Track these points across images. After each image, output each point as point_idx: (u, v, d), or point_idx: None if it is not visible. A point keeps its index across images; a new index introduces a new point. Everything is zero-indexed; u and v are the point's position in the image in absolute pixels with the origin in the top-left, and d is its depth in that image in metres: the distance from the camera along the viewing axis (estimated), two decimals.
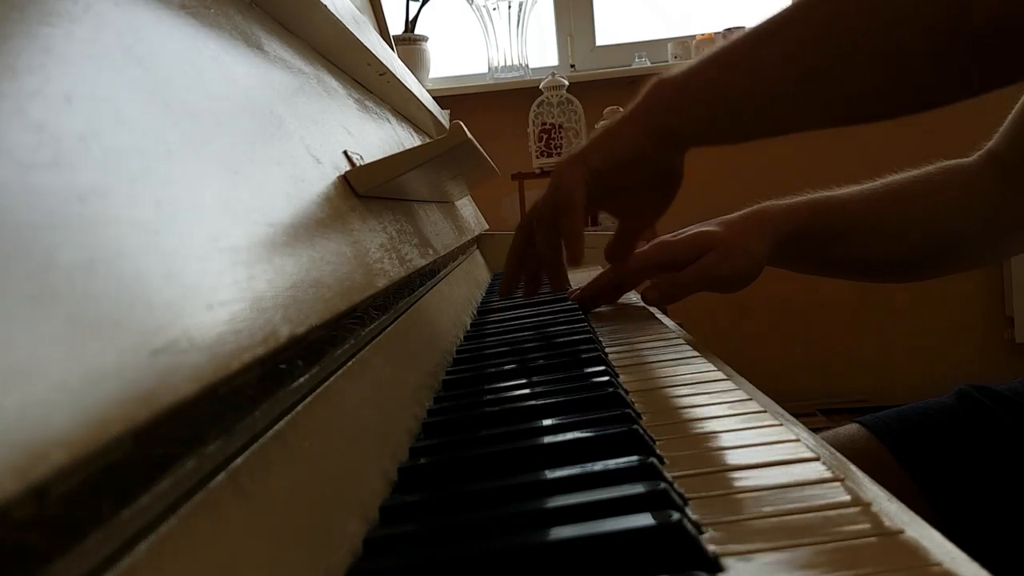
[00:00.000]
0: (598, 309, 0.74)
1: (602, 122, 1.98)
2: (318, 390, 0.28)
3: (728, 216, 0.74)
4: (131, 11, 0.27)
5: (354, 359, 0.34)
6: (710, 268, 0.67)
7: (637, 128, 0.60)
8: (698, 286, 0.68)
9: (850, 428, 0.66)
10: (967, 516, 0.57)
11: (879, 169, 0.77)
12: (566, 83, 1.99)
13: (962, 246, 0.76)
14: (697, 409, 0.39)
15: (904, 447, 0.61)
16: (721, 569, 0.22)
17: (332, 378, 0.30)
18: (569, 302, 0.73)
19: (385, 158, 0.47)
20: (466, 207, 1.04)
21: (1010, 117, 0.74)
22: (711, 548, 0.23)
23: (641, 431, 0.33)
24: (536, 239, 0.62)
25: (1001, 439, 0.60)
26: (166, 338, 0.18)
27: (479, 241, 1.13)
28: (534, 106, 1.98)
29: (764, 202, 0.75)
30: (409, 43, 2.27)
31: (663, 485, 0.26)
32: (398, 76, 0.73)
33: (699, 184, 2.46)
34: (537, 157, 1.98)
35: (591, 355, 0.48)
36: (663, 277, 0.69)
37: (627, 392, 0.41)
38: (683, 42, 2.41)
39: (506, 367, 0.49)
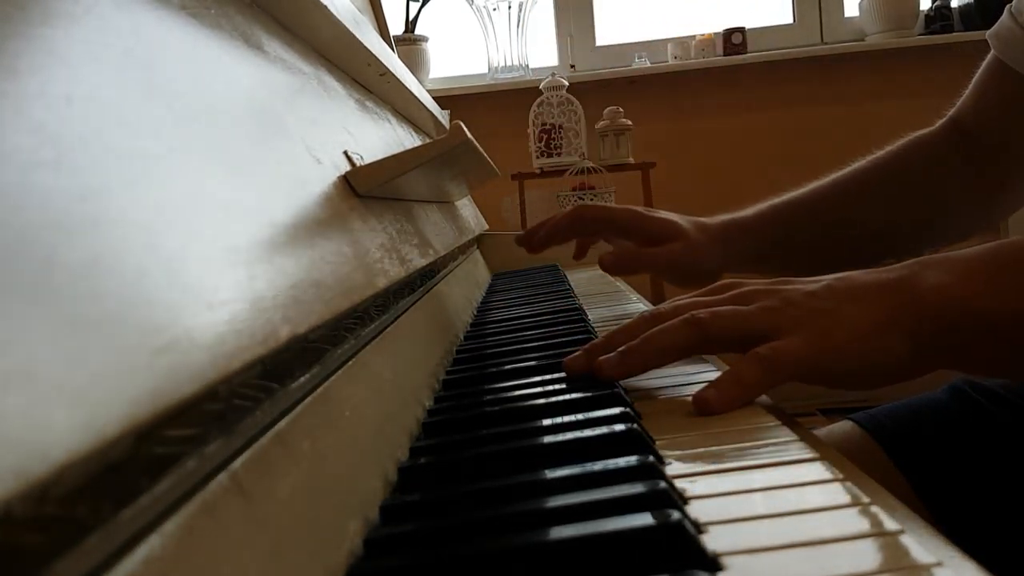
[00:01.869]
0: (595, 310, 0.74)
1: (602, 122, 1.98)
2: (318, 390, 0.28)
3: (701, 219, 0.75)
4: (132, 12, 0.27)
5: (354, 359, 0.34)
6: (675, 254, 0.68)
7: (905, 340, 0.41)
8: (656, 267, 0.69)
9: (843, 425, 0.66)
10: (960, 513, 0.57)
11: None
12: (566, 83, 1.99)
13: (941, 220, 0.76)
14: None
15: (898, 445, 0.62)
16: (721, 568, 0.22)
17: (332, 378, 0.30)
18: (569, 301, 0.73)
19: (385, 158, 0.47)
20: (466, 207, 1.04)
21: (972, 83, 0.75)
22: (711, 548, 0.23)
23: (641, 431, 0.33)
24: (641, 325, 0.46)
25: (993, 435, 0.60)
26: (167, 338, 0.18)
27: (479, 241, 1.13)
28: (534, 106, 1.98)
29: (733, 213, 0.76)
30: (409, 43, 2.27)
31: (663, 485, 0.26)
32: (398, 76, 0.73)
33: (702, 182, 2.45)
34: (537, 157, 1.98)
35: None
36: (628, 248, 0.69)
37: (627, 392, 0.41)
38: (683, 42, 2.42)
39: (506, 367, 0.49)
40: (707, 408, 0.39)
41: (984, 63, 0.74)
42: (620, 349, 0.43)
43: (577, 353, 0.45)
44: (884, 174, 0.75)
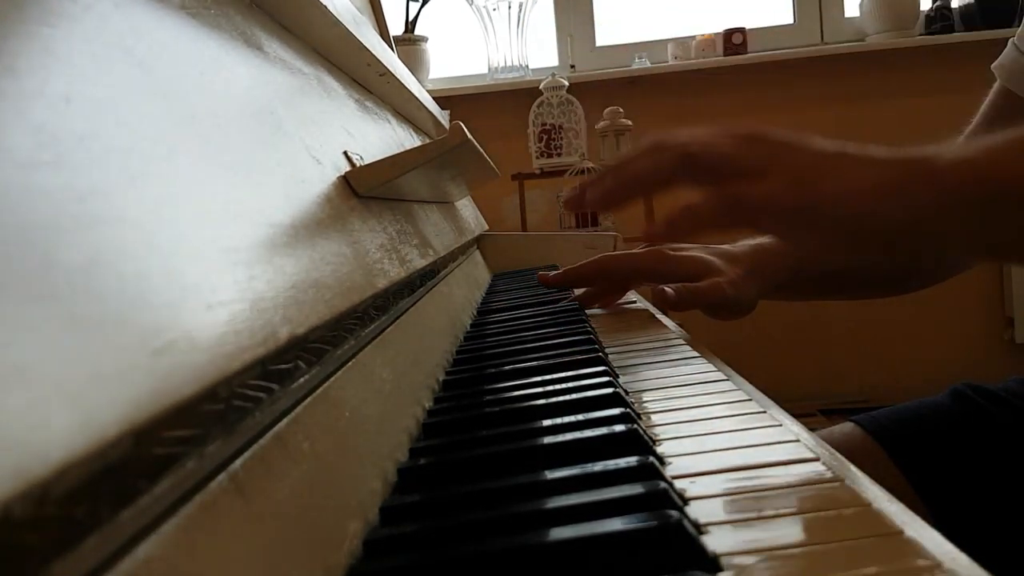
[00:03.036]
0: (594, 311, 0.74)
1: (602, 122, 1.99)
2: (318, 390, 0.28)
3: (727, 248, 0.74)
4: (131, 12, 0.27)
5: (354, 359, 0.34)
6: (720, 291, 0.66)
7: (902, 197, 0.39)
8: (703, 305, 0.67)
9: (845, 427, 0.66)
10: (962, 514, 0.57)
11: None
12: (566, 83, 1.99)
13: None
14: (697, 410, 0.39)
15: (899, 446, 0.62)
16: (721, 569, 0.22)
17: (332, 378, 0.30)
18: (568, 302, 0.73)
19: (385, 158, 0.47)
20: (466, 207, 1.04)
21: (981, 109, 0.75)
22: (711, 548, 0.23)
23: (641, 431, 0.33)
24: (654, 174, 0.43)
25: (995, 438, 0.60)
26: (166, 338, 0.18)
27: (479, 241, 1.13)
28: (534, 106, 1.98)
29: (758, 239, 0.75)
30: (409, 43, 2.27)
31: (663, 485, 0.26)
32: (398, 76, 0.73)
33: None
34: (537, 157, 1.98)
35: (591, 355, 0.48)
36: (681, 288, 0.67)
37: (627, 392, 0.41)
38: (683, 42, 2.42)
39: (506, 367, 0.49)
40: (650, 236, 0.40)
41: (992, 91, 0.74)
42: (608, 175, 0.42)
43: (575, 189, 0.44)
44: None
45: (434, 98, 1.06)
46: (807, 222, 0.38)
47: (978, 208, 0.38)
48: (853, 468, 0.28)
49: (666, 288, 0.63)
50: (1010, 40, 0.71)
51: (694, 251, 0.72)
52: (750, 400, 0.39)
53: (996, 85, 0.73)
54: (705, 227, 0.38)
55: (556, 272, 0.75)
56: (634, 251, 0.72)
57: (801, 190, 0.38)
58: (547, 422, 0.36)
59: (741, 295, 0.67)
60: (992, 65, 0.73)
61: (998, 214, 0.39)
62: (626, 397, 0.39)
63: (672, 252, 0.70)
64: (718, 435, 0.34)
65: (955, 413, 0.63)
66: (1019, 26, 0.70)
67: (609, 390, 0.39)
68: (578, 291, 0.74)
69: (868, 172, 0.39)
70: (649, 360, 0.52)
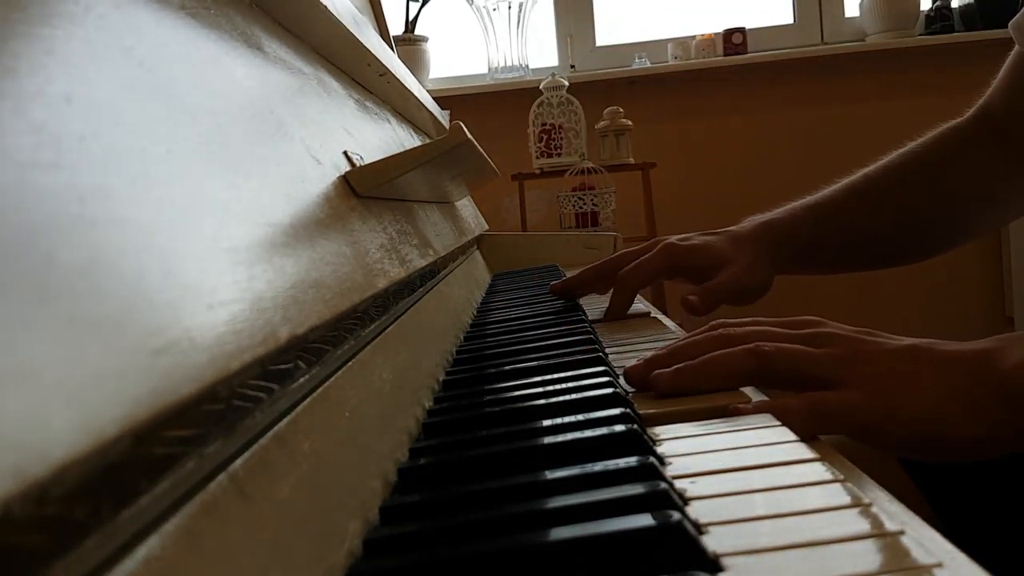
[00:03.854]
0: (596, 313, 0.74)
1: (602, 122, 1.98)
2: (318, 390, 0.28)
3: (731, 230, 0.74)
4: (131, 12, 0.27)
5: (354, 359, 0.34)
6: (740, 279, 0.66)
7: (984, 420, 0.39)
8: (727, 298, 0.67)
9: None
10: (966, 514, 0.57)
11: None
12: (566, 83, 1.99)
13: (966, 212, 0.75)
14: (697, 410, 0.39)
15: None
16: (721, 569, 0.22)
17: (332, 378, 0.30)
18: (569, 303, 0.73)
19: (385, 158, 0.47)
20: (466, 207, 1.04)
21: (1001, 73, 0.75)
22: (711, 548, 0.23)
23: (641, 431, 0.33)
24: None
25: None
26: (166, 338, 0.18)
27: (479, 241, 1.13)
28: (534, 106, 1.98)
29: (765, 215, 0.75)
30: (409, 43, 2.27)
31: (663, 485, 0.26)
32: (398, 77, 0.73)
33: (705, 180, 2.45)
34: (537, 157, 1.98)
35: (591, 355, 0.48)
36: (702, 287, 0.67)
37: (627, 393, 0.41)
38: (683, 42, 2.42)
39: (506, 367, 0.49)
40: (658, 386, 0.40)
41: (1011, 55, 0.73)
42: (677, 367, 0.42)
43: (638, 363, 0.44)
44: (915, 162, 0.74)
45: (434, 98, 1.06)
46: (887, 431, 0.39)
47: None
48: (854, 467, 0.28)
49: (690, 297, 0.64)
50: None
51: (696, 238, 0.72)
52: (750, 399, 0.39)
53: (1015, 49, 0.72)
54: (790, 428, 0.37)
55: (565, 280, 0.74)
56: (641, 248, 0.72)
57: (880, 402, 0.39)
58: (547, 422, 0.36)
59: (757, 279, 0.67)
60: (1010, 23, 0.71)
61: None
62: (626, 397, 0.39)
63: (681, 244, 0.70)
64: (718, 435, 0.34)
65: None
66: None
67: (609, 390, 0.39)
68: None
69: (943, 384, 0.39)
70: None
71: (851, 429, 0.38)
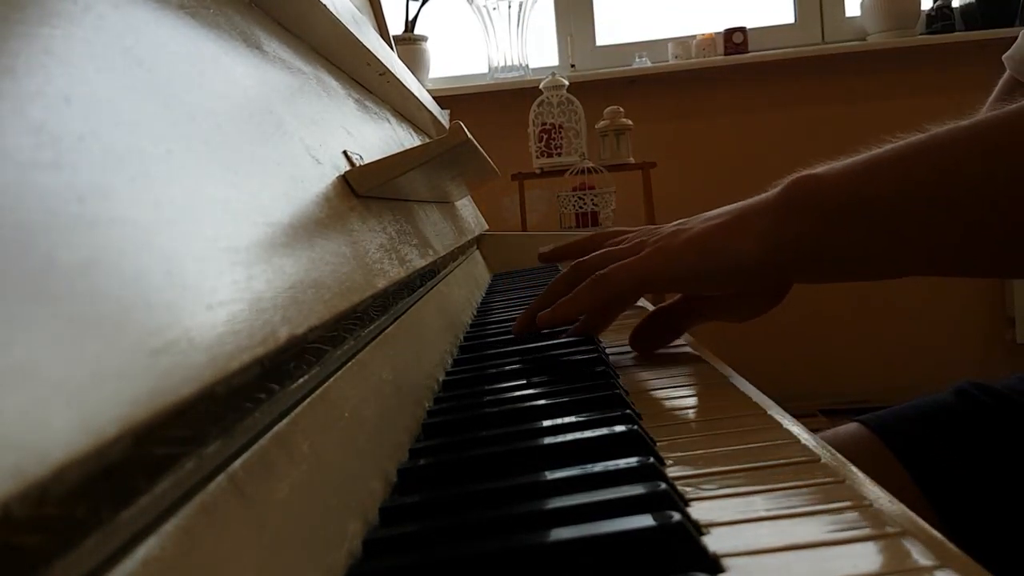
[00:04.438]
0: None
1: (602, 122, 1.98)
2: (318, 391, 0.28)
3: (712, 213, 0.74)
4: (131, 12, 0.27)
5: (354, 360, 0.34)
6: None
7: (754, 237, 0.43)
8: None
9: (850, 427, 0.66)
10: (967, 515, 0.57)
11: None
12: (566, 83, 1.99)
13: None
14: (697, 410, 0.39)
15: (905, 446, 0.61)
16: (722, 570, 0.22)
17: (332, 379, 0.30)
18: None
19: (385, 158, 0.47)
20: (466, 207, 1.04)
21: (993, 95, 0.76)
22: (712, 548, 0.23)
23: (641, 432, 0.33)
24: (567, 289, 0.52)
25: (1000, 437, 0.60)
26: (165, 338, 0.18)
27: (479, 241, 1.13)
28: (534, 106, 1.98)
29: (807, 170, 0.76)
30: (409, 43, 2.27)
31: (663, 486, 0.26)
32: (398, 76, 0.73)
33: (704, 175, 2.46)
34: (537, 157, 1.98)
35: (591, 356, 0.48)
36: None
37: (627, 393, 0.41)
38: (683, 42, 2.42)
39: (506, 367, 0.49)
40: (541, 323, 0.50)
41: (1001, 80, 0.74)
42: (552, 308, 0.51)
43: (519, 317, 0.55)
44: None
45: (434, 98, 1.06)
46: (669, 276, 0.46)
47: (817, 222, 0.42)
48: (854, 469, 0.28)
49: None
50: (1022, 31, 0.71)
51: (671, 225, 0.72)
52: (751, 400, 0.39)
53: (1004, 75, 0.73)
54: (587, 306, 0.48)
55: (552, 248, 0.76)
56: (625, 236, 0.72)
57: (656, 253, 0.46)
58: (547, 422, 0.36)
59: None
60: (1003, 56, 0.73)
61: (903, 226, 0.40)
62: (626, 397, 0.39)
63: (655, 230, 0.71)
64: (718, 435, 0.34)
65: (960, 413, 0.63)
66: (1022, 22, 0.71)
67: (609, 390, 0.39)
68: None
69: (722, 219, 0.45)
70: (650, 360, 0.52)
71: (637, 285, 0.47)
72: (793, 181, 0.43)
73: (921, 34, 2.36)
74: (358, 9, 0.63)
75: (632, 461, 0.28)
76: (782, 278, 0.45)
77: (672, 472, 0.29)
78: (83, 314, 0.15)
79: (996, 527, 0.56)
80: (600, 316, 0.53)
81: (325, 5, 0.49)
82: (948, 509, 0.57)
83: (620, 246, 0.53)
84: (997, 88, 0.75)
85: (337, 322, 0.31)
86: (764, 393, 0.40)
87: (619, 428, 0.32)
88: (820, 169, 0.43)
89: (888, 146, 0.43)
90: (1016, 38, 0.72)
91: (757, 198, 0.46)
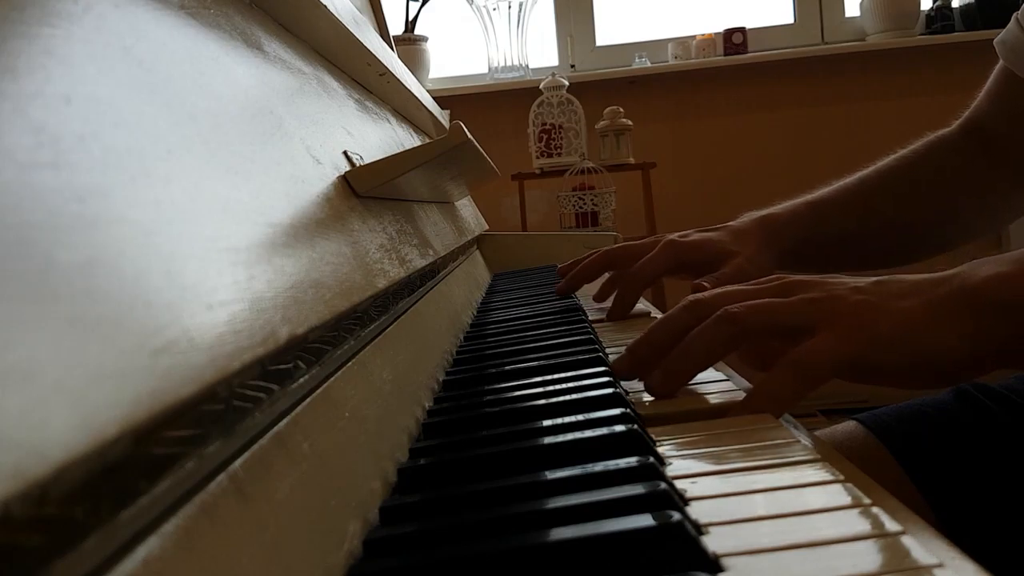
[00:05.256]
0: (596, 314, 0.74)
1: (602, 122, 1.98)
2: (318, 391, 0.28)
3: (730, 225, 0.75)
4: (131, 12, 0.27)
5: (354, 360, 0.34)
6: (745, 270, 0.67)
7: (961, 333, 0.39)
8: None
9: (847, 426, 0.66)
10: (965, 514, 0.57)
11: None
12: (566, 83, 1.99)
13: (955, 221, 0.77)
14: (697, 410, 0.39)
15: (902, 445, 0.61)
16: (722, 570, 0.22)
17: (332, 379, 0.30)
18: (569, 301, 0.73)
19: (385, 158, 0.47)
20: (466, 207, 1.04)
21: (987, 85, 0.76)
22: (712, 548, 0.23)
23: (641, 432, 0.33)
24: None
25: (998, 437, 0.60)
26: (166, 338, 0.18)
27: (479, 241, 1.13)
28: (534, 106, 1.98)
29: (763, 210, 0.76)
30: (409, 43, 2.27)
31: (663, 486, 0.26)
32: (398, 76, 0.73)
33: (702, 174, 2.45)
34: (537, 157, 1.98)
35: (591, 356, 0.48)
36: (710, 276, 0.68)
37: (627, 393, 0.41)
38: (683, 42, 2.42)
39: (506, 367, 0.49)
40: (657, 391, 0.41)
41: (996, 68, 0.74)
42: (664, 369, 0.42)
43: (622, 356, 0.45)
44: (903, 173, 0.76)
45: (434, 98, 1.06)
46: (871, 362, 0.39)
47: (1021, 323, 0.38)
48: (854, 468, 0.28)
49: (702, 282, 0.65)
50: (1014, 15, 0.71)
51: (695, 234, 0.73)
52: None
53: (998, 65, 0.74)
54: (793, 404, 0.38)
55: (567, 279, 0.76)
56: (642, 246, 0.72)
57: (858, 335, 0.39)
58: (547, 422, 0.36)
59: (762, 270, 0.68)
60: (995, 40, 0.73)
61: None
62: (626, 397, 0.39)
63: (682, 240, 0.71)
64: (718, 435, 0.34)
65: (958, 412, 0.63)
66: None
67: (609, 390, 0.39)
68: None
69: (914, 303, 0.40)
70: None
71: (838, 371, 0.38)
72: (985, 280, 0.39)
73: (920, 34, 2.36)
74: (358, 9, 0.63)
75: (632, 461, 0.28)
76: (977, 374, 0.41)
77: (672, 472, 0.29)
78: (83, 314, 0.15)
79: (993, 526, 0.56)
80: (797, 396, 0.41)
81: (325, 5, 0.49)
82: (945, 508, 0.57)
83: (766, 286, 0.44)
84: (991, 80, 0.75)
85: (337, 322, 0.31)
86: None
87: (619, 428, 0.32)
88: (1007, 268, 0.40)
89: None
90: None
91: (932, 283, 0.41)
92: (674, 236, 0.73)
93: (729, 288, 0.45)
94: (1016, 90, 0.72)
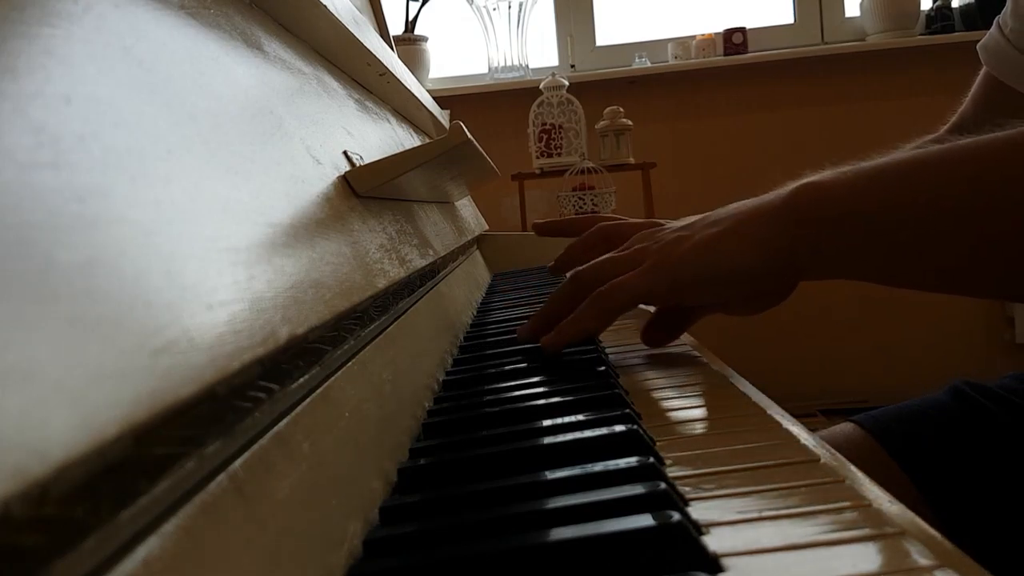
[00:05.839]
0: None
1: (602, 122, 1.98)
2: (318, 390, 0.28)
3: (714, 213, 0.75)
4: (131, 12, 0.27)
5: (354, 360, 0.34)
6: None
7: (753, 244, 0.43)
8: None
9: (845, 427, 0.66)
10: (963, 513, 0.57)
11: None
12: (566, 83, 1.99)
13: None
14: (697, 410, 0.39)
15: (899, 445, 0.61)
16: (722, 569, 0.22)
17: (332, 378, 0.30)
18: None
19: (385, 158, 0.47)
20: (466, 207, 1.04)
21: (972, 90, 0.76)
22: (712, 548, 0.23)
23: (641, 432, 0.33)
24: (568, 304, 0.51)
25: (995, 436, 0.60)
26: (166, 338, 0.18)
27: (479, 241, 1.13)
28: (534, 106, 1.98)
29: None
30: (409, 43, 2.27)
31: (663, 486, 0.26)
32: (398, 76, 0.73)
33: (702, 175, 2.46)
34: (537, 157, 1.98)
35: (591, 355, 0.48)
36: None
37: (627, 393, 0.41)
38: (683, 42, 2.42)
39: (506, 367, 0.49)
40: (547, 348, 0.48)
41: (980, 73, 0.74)
42: (550, 341, 0.49)
43: (525, 325, 0.53)
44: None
45: (434, 98, 1.06)
46: (671, 286, 0.45)
47: (824, 234, 0.42)
48: (853, 468, 0.28)
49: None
50: (995, 20, 0.71)
51: (683, 220, 0.73)
52: (750, 400, 0.39)
53: (982, 71, 0.74)
54: (593, 327, 0.47)
55: (547, 221, 0.78)
56: (633, 220, 0.72)
57: (662, 265, 0.44)
58: (547, 422, 0.36)
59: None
60: (977, 45, 0.73)
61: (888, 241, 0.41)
62: (626, 397, 0.39)
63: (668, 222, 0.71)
64: (718, 435, 0.34)
65: (955, 412, 0.63)
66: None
67: (609, 390, 0.39)
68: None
69: (724, 226, 0.44)
70: (650, 360, 0.52)
71: (638, 299, 0.45)
72: (797, 188, 0.43)
73: (920, 35, 2.36)
74: (358, 9, 0.63)
75: (632, 461, 0.28)
76: (783, 282, 0.45)
77: (672, 472, 0.29)
78: (83, 314, 0.15)
79: (992, 526, 0.56)
80: (600, 326, 0.52)
81: (325, 6, 0.49)
82: (944, 508, 0.57)
83: (620, 252, 0.51)
84: (975, 84, 0.75)
85: (337, 322, 0.31)
86: (764, 393, 0.40)
87: (619, 428, 0.32)
88: (825, 176, 0.43)
89: (895, 156, 0.43)
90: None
91: (760, 200, 0.45)
92: (663, 221, 0.73)
93: (606, 259, 0.51)
94: (999, 95, 0.72)
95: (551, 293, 0.53)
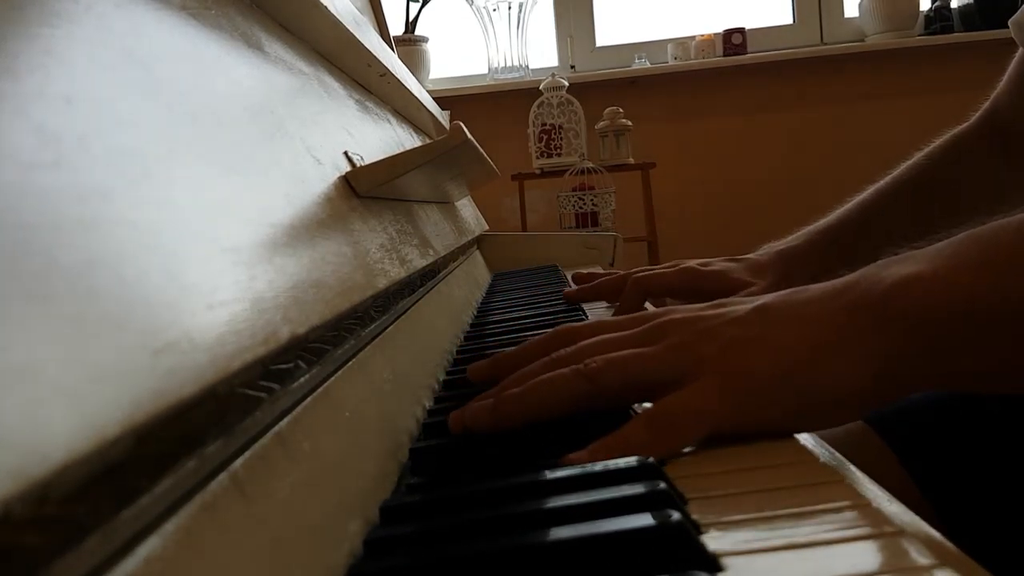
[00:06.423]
0: (593, 310, 0.74)
1: (602, 122, 1.98)
2: (318, 390, 0.28)
3: (750, 257, 0.75)
4: (132, 12, 0.27)
5: (354, 359, 0.34)
6: None
7: (862, 360, 0.32)
8: None
9: (850, 423, 0.66)
10: (966, 513, 0.57)
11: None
12: (566, 84, 1.99)
13: (977, 222, 0.76)
14: None
15: (904, 443, 0.61)
16: (721, 569, 0.22)
17: (332, 378, 0.30)
18: (570, 303, 0.73)
19: (385, 159, 0.47)
20: (466, 207, 1.05)
21: (1006, 75, 0.74)
22: (711, 548, 0.23)
23: None
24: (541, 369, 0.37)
25: (1000, 435, 0.60)
26: (167, 338, 0.18)
27: (479, 242, 1.13)
28: (534, 107, 1.98)
29: (782, 241, 0.76)
30: (409, 44, 2.27)
31: (663, 485, 0.26)
32: (398, 77, 0.73)
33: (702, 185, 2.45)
34: (537, 158, 1.98)
35: None
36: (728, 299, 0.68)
37: None
38: (683, 43, 2.42)
39: None
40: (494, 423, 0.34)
41: (1016, 57, 0.73)
42: (500, 396, 0.35)
43: (484, 361, 0.41)
44: (919, 186, 0.75)
45: (434, 98, 1.06)
46: (754, 418, 0.32)
47: (938, 338, 0.31)
48: (853, 468, 0.28)
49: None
50: None
51: (717, 264, 0.73)
52: None
53: (1019, 53, 0.72)
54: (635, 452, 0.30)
55: (579, 287, 0.76)
56: (662, 269, 0.72)
57: (732, 383, 0.32)
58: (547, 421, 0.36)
59: None
60: (1010, 21, 0.72)
61: (966, 340, 0.31)
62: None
63: (701, 268, 0.71)
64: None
65: (960, 409, 0.63)
66: None
67: None
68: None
69: (801, 331, 0.33)
70: None
71: (710, 431, 0.32)
72: (894, 287, 0.32)
73: (919, 35, 2.36)
74: (359, 10, 0.63)
75: (631, 460, 0.28)
76: (886, 403, 0.34)
77: (671, 471, 0.29)
78: (84, 314, 0.15)
79: (995, 526, 0.56)
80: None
81: (326, 6, 0.50)
82: (946, 507, 0.57)
83: (638, 330, 0.37)
84: (1011, 67, 0.74)
85: (338, 322, 0.31)
86: None
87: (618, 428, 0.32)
88: (923, 268, 0.33)
89: (981, 234, 0.34)
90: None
91: (829, 295, 0.35)
92: (695, 263, 0.73)
93: (599, 335, 0.38)
94: None
95: (533, 337, 0.41)
